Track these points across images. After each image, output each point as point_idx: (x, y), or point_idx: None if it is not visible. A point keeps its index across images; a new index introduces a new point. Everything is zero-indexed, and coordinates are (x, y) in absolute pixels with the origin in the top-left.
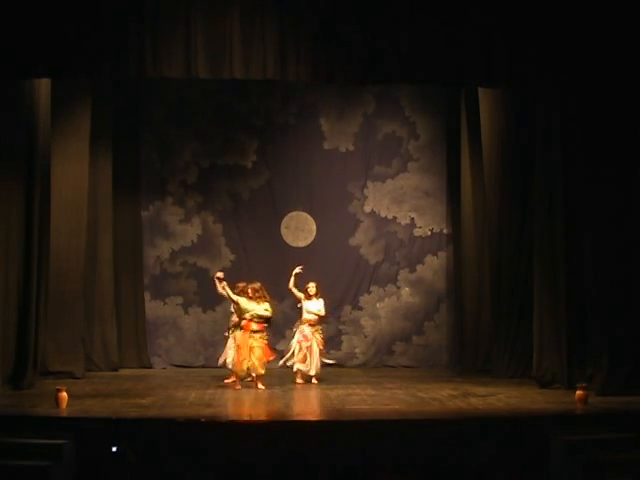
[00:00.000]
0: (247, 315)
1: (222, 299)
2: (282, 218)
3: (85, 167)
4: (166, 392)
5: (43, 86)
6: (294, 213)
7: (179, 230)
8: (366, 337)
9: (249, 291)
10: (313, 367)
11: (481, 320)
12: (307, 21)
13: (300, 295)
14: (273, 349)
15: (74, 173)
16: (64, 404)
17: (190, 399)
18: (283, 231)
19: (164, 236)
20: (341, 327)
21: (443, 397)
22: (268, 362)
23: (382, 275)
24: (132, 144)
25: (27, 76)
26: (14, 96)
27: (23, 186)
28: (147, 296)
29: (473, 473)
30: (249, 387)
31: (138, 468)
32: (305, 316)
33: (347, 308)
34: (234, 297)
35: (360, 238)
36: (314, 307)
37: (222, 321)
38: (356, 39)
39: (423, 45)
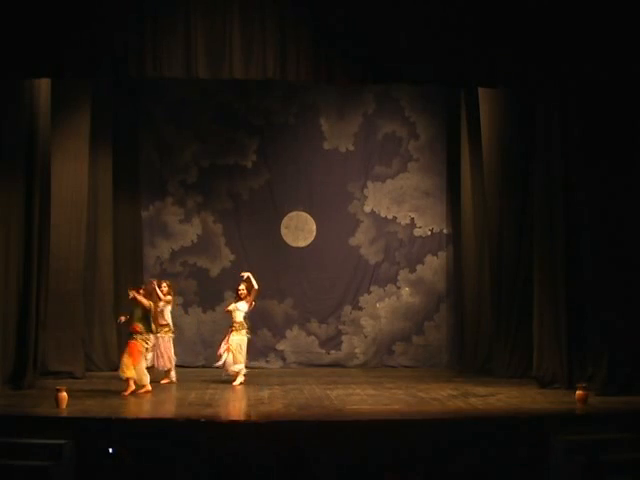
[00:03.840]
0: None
1: (222, 299)
2: (282, 218)
3: (85, 167)
4: (166, 392)
5: (43, 86)
6: (294, 213)
7: (179, 230)
8: (366, 337)
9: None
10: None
11: (481, 320)
12: (307, 21)
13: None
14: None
15: (74, 173)
16: (64, 404)
17: (190, 399)
18: (283, 231)
19: (164, 236)
20: (341, 327)
21: (443, 397)
22: (134, 365)
23: (382, 275)
24: (132, 144)
25: (27, 76)
26: (14, 96)
27: (23, 186)
28: None
29: (473, 473)
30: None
31: (137, 468)
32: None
33: (347, 308)
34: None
35: (360, 238)
36: (240, 307)
37: (222, 321)
38: (356, 39)
39: (423, 45)
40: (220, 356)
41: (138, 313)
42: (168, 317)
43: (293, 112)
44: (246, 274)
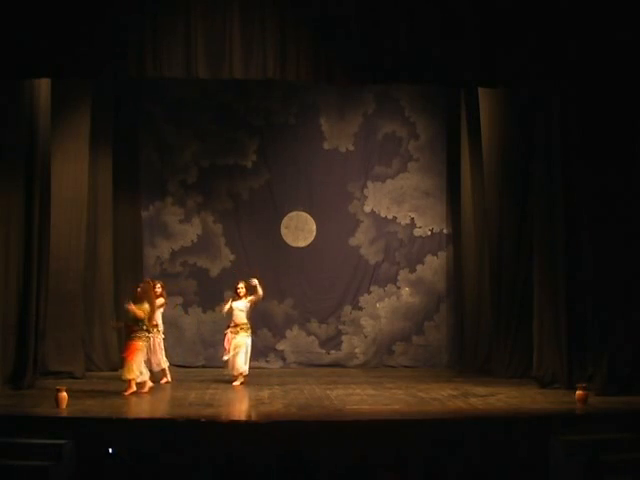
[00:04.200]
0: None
1: (222, 299)
2: (282, 218)
3: (85, 167)
4: (166, 392)
5: (43, 86)
6: (294, 213)
7: (179, 230)
8: (366, 337)
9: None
10: (233, 368)
11: (481, 320)
12: (307, 21)
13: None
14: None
15: (74, 173)
16: (64, 404)
17: (190, 399)
18: (283, 231)
19: (164, 236)
20: (341, 327)
21: (443, 397)
22: (128, 362)
23: (382, 275)
24: (132, 144)
25: (27, 76)
26: (14, 96)
27: (23, 186)
28: None
29: (473, 473)
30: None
31: (137, 468)
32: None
33: (347, 308)
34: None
35: (360, 238)
36: (241, 307)
37: (222, 321)
38: (356, 39)
39: (423, 45)
40: (227, 352)
41: (131, 316)
42: (159, 318)
43: (293, 112)
44: (255, 281)
